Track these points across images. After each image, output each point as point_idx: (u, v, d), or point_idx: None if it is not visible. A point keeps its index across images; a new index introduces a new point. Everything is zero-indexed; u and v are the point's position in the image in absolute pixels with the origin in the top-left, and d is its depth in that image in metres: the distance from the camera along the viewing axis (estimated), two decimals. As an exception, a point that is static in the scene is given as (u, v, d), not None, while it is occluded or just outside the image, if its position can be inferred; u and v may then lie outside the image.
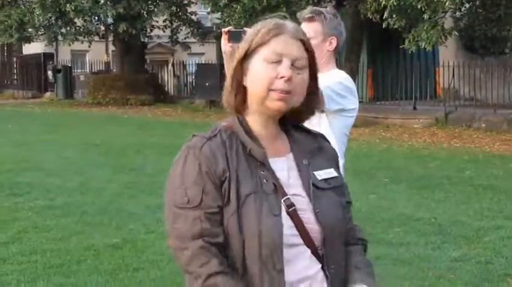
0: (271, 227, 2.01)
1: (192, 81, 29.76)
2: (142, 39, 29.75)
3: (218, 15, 23.90)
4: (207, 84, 25.09)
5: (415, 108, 21.34)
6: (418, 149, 15.13)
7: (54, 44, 30.77)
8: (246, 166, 2.08)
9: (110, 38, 30.92)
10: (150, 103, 27.44)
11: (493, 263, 6.47)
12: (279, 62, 2.07)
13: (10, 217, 8.26)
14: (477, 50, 24.73)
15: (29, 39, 29.77)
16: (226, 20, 21.04)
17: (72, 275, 6.12)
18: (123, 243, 7.08)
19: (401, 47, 18.92)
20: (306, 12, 3.72)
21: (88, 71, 34.32)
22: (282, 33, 2.10)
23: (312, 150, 2.20)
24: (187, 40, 29.43)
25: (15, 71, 38.00)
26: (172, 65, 32.44)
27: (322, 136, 2.29)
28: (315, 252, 2.10)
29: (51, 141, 15.81)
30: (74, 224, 7.93)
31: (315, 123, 2.58)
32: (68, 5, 25.34)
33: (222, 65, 3.82)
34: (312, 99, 2.17)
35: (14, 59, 38.52)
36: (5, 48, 38.95)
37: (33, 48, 33.54)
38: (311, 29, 3.58)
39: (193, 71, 29.36)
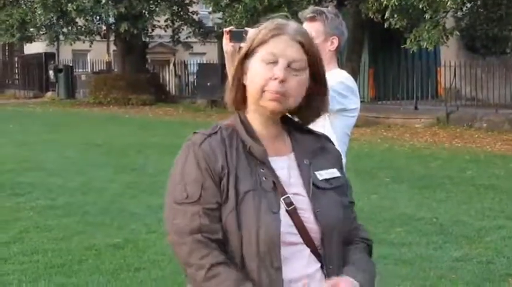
0: (269, 224, 2.02)
1: (194, 81, 29.75)
2: (143, 39, 29.75)
3: (219, 15, 23.89)
4: (208, 84, 25.09)
5: (416, 108, 21.33)
6: (420, 149, 15.12)
7: (55, 43, 30.82)
8: (246, 164, 2.09)
9: (112, 38, 30.94)
10: (151, 103, 27.44)
11: (495, 263, 6.47)
12: (275, 62, 2.08)
13: (12, 216, 8.26)
14: (478, 50, 24.71)
15: (30, 39, 29.78)
16: (228, 19, 21.03)
17: (73, 275, 6.12)
18: (124, 243, 7.08)
19: (402, 46, 18.92)
20: (308, 12, 3.72)
21: (89, 70, 34.32)
22: (281, 34, 2.10)
23: (315, 150, 2.20)
24: (189, 40, 29.44)
25: (16, 71, 38.01)
26: (174, 64, 32.42)
27: (326, 137, 2.30)
28: (314, 251, 2.10)
29: (53, 141, 15.82)
30: (76, 224, 7.93)
31: (320, 125, 2.58)
32: (69, 4, 25.35)
33: (223, 65, 3.80)
34: (315, 101, 2.17)
35: (16, 59, 38.53)
36: (7, 48, 39.01)
37: (35, 48, 33.54)
38: (312, 29, 3.58)
39: (195, 71, 29.37)
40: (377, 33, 23.94)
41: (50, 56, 34.60)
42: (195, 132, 2.15)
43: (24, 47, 35.32)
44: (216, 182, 2.06)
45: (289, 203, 2.07)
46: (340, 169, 2.24)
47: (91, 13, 26.74)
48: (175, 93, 30.46)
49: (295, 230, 2.07)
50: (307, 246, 2.09)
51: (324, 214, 2.11)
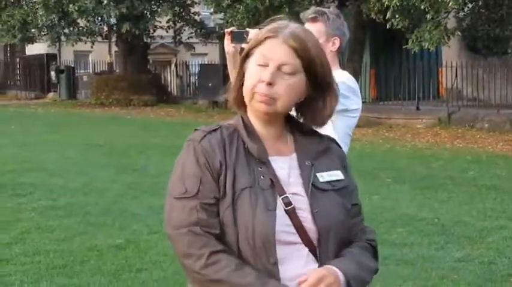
0: (264, 221, 2.04)
1: (195, 82, 29.75)
2: (145, 40, 29.75)
3: (221, 15, 23.90)
4: (210, 84, 25.08)
5: (418, 108, 21.32)
6: (421, 150, 15.12)
7: (57, 44, 30.80)
8: (245, 162, 2.11)
9: (113, 39, 30.93)
10: (153, 104, 27.44)
11: (496, 264, 6.47)
12: (266, 65, 2.09)
13: (13, 217, 8.27)
14: (480, 50, 24.70)
15: (32, 40, 29.77)
16: (229, 20, 21.03)
17: (75, 275, 6.13)
18: (126, 244, 7.08)
19: (404, 47, 18.93)
20: (309, 12, 3.72)
21: (91, 71, 34.34)
22: (274, 37, 2.11)
23: (318, 152, 2.21)
24: (191, 40, 29.44)
25: (18, 72, 37.98)
26: (175, 65, 32.42)
27: (330, 138, 2.29)
28: (313, 251, 2.11)
29: (54, 141, 15.82)
30: (77, 224, 7.94)
31: (325, 126, 2.58)
32: (71, 5, 25.36)
33: (225, 66, 3.81)
34: (317, 103, 2.18)
35: (17, 60, 38.50)
36: (8, 49, 38.98)
37: (36, 48, 33.54)
38: (314, 30, 3.57)
39: (196, 72, 29.37)
40: (378, 34, 23.95)
41: (51, 57, 34.61)
42: (196, 129, 2.18)
43: (26, 48, 35.30)
44: (214, 178, 2.08)
45: (288, 203, 2.08)
46: (345, 169, 2.24)
47: (93, 14, 26.74)
48: (176, 94, 30.46)
49: (293, 230, 2.08)
50: (306, 246, 2.09)
51: (322, 214, 2.11)
